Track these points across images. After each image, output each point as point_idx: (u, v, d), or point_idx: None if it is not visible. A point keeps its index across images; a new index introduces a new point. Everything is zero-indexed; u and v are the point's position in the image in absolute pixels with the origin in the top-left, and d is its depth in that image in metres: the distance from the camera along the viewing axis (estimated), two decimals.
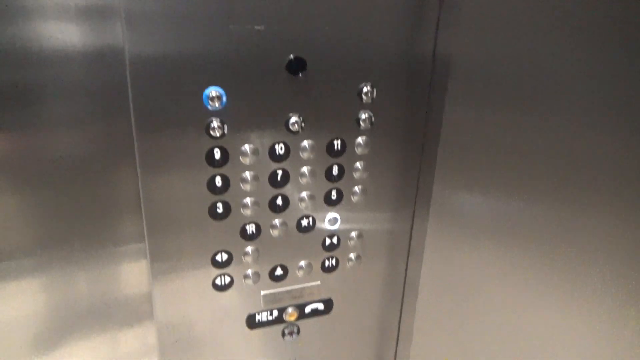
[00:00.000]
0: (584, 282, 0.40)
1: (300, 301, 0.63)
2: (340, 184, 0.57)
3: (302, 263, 0.61)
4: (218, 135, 0.49)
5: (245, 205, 0.54)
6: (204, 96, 0.48)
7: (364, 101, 0.53)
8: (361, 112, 0.54)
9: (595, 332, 0.40)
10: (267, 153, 0.53)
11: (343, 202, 0.59)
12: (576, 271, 0.41)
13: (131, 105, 0.47)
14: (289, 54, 0.49)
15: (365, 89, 0.53)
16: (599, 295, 0.39)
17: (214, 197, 0.53)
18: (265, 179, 0.54)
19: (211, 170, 0.51)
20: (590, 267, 0.39)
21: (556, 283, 0.43)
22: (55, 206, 0.52)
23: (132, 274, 0.58)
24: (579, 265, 0.40)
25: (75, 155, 0.50)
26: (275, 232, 0.57)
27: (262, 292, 0.61)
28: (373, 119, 0.54)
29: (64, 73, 0.47)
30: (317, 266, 0.62)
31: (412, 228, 0.63)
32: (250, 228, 0.56)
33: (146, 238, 0.53)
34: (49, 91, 0.47)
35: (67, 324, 0.58)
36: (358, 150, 0.56)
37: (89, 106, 0.49)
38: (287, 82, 0.50)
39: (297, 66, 0.49)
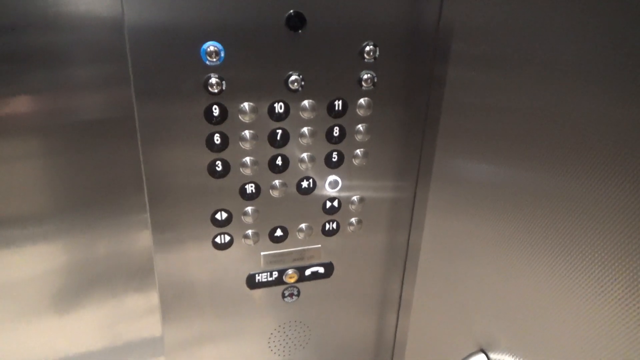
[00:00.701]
0: (584, 248, 0.39)
1: (300, 264, 0.63)
2: (341, 146, 0.57)
3: (303, 225, 0.61)
4: (216, 91, 0.49)
5: (244, 165, 0.54)
6: (201, 51, 0.47)
7: (366, 60, 0.52)
8: (363, 72, 0.53)
9: (590, 297, 0.39)
10: (266, 112, 0.52)
11: (344, 165, 0.58)
12: (576, 238, 0.40)
13: (130, 64, 0.47)
14: (289, 9, 0.48)
15: (367, 48, 0.51)
16: (597, 261, 0.38)
17: (213, 155, 0.53)
18: (264, 138, 0.54)
19: (210, 128, 0.51)
20: (591, 233, 0.39)
21: (557, 251, 0.42)
22: (72, 171, 0.53)
23: (139, 232, 0.59)
24: (580, 231, 0.39)
25: (91, 120, 0.51)
26: (275, 193, 0.57)
27: (262, 253, 0.61)
28: (375, 79, 0.53)
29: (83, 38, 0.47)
30: (317, 229, 0.62)
31: (415, 194, 0.62)
32: (250, 188, 0.56)
33: (146, 196, 0.54)
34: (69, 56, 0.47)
35: (79, 284, 0.59)
36: (360, 112, 0.55)
37: (106, 72, 0.49)
38: (287, 38, 0.49)
39: (296, 22, 0.48)
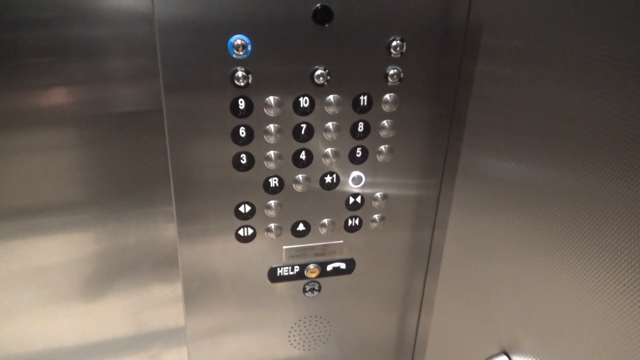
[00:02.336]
0: (612, 250, 0.38)
1: (322, 259, 0.64)
2: (365, 142, 0.56)
3: (325, 220, 0.61)
4: (242, 84, 0.50)
5: (268, 158, 0.55)
6: (229, 44, 0.48)
7: (392, 56, 0.52)
8: (389, 67, 0.52)
9: (617, 300, 0.38)
10: (291, 106, 0.52)
11: (368, 161, 0.58)
12: (604, 239, 0.39)
13: (159, 57, 0.47)
14: (316, 3, 0.48)
15: (394, 43, 0.51)
16: (625, 263, 0.37)
17: (238, 148, 0.54)
18: (289, 132, 0.54)
19: (236, 121, 0.52)
20: (619, 235, 0.37)
21: (584, 252, 0.41)
22: (102, 163, 0.54)
23: (165, 224, 0.60)
24: (608, 232, 0.38)
25: (122, 113, 0.52)
26: (298, 187, 0.57)
27: (284, 247, 0.61)
28: (402, 75, 0.53)
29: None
30: (340, 224, 0.62)
31: (439, 192, 0.62)
32: (274, 181, 0.56)
33: (172, 189, 0.55)
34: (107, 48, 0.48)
35: (106, 273, 0.61)
36: (385, 108, 0.55)
37: (137, 65, 0.50)
38: (313, 32, 0.49)
39: (323, 16, 0.48)
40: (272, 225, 0.59)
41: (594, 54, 0.38)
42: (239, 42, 0.48)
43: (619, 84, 0.35)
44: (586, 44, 0.38)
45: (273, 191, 0.57)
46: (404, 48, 0.51)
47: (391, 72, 0.52)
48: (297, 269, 0.63)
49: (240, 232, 0.59)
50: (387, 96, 0.54)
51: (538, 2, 0.43)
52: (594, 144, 0.38)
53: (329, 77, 0.51)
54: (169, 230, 0.60)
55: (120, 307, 0.64)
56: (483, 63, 0.50)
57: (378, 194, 0.61)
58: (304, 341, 0.71)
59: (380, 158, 0.58)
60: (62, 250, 0.58)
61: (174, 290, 0.65)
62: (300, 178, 0.57)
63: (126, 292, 0.63)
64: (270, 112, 0.52)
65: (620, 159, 0.36)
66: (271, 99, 0.51)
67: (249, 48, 0.48)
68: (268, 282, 0.64)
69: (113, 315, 0.64)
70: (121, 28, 0.48)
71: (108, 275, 0.61)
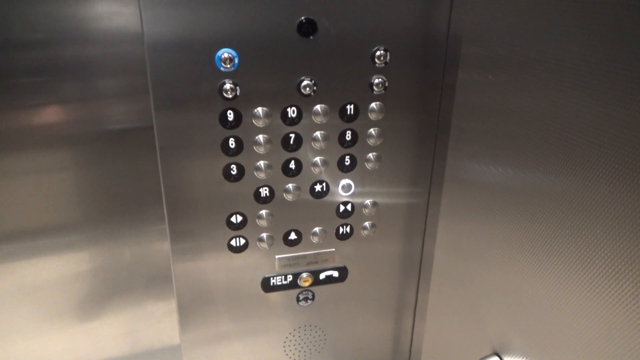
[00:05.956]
0: (597, 250, 0.39)
1: (314, 267, 0.64)
2: (353, 150, 0.58)
3: (317, 229, 0.61)
4: (231, 97, 0.51)
5: (258, 168, 0.55)
6: (216, 58, 0.49)
7: (377, 65, 0.53)
8: (374, 76, 0.54)
9: (603, 299, 0.39)
10: (279, 116, 0.53)
11: (357, 169, 0.59)
12: (589, 240, 0.40)
13: (148, 74, 0.49)
14: (300, 16, 0.49)
15: (378, 53, 0.52)
16: (610, 262, 0.38)
17: (228, 159, 0.54)
18: (278, 142, 0.55)
19: (225, 132, 0.53)
20: (603, 235, 0.38)
21: (570, 253, 0.42)
22: (96, 183, 0.55)
23: (158, 242, 0.60)
24: (593, 233, 0.39)
25: (114, 131, 0.52)
26: (288, 197, 0.58)
27: (277, 256, 0.62)
28: (387, 84, 0.54)
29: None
30: (331, 233, 0.62)
31: (428, 198, 0.63)
32: (264, 191, 0.57)
33: (165, 208, 0.55)
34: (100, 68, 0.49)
35: (100, 292, 0.61)
36: (372, 116, 0.56)
37: (128, 83, 0.51)
38: (299, 44, 0.50)
39: (308, 28, 0.50)
40: (264, 235, 0.60)
41: (571, 60, 0.39)
42: (226, 55, 0.49)
43: (597, 89, 0.37)
44: (563, 51, 0.40)
45: (264, 201, 0.58)
46: (388, 58, 0.53)
47: (376, 81, 0.54)
48: (290, 278, 0.64)
49: (233, 243, 0.60)
50: (373, 105, 0.55)
51: (513, 13, 0.44)
52: (575, 147, 0.40)
53: (315, 88, 0.52)
54: (162, 248, 0.60)
55: (115, 325, 0.64)
56: (464, 71, 0.51)
57: (368, 202, 0.61)
58: (300, 351, 0.71)
59: (368, 166, 0.59)
60: (56, 269, 0.58)
61: (168, 305, 0.65)
62: (291, 187, 0.58)
63: (121, 310, 0.63)
64: (259, 123, 0.53)
65: (603, 161, 0.37)
66: (259, 110, 0.52)
67: (236, 61, 0.49)
68: (262, 292, 0.64)
69: (108, 333, 0.64)
70: (112, 47, 0.49)
71: (102, 294, 0.61)
